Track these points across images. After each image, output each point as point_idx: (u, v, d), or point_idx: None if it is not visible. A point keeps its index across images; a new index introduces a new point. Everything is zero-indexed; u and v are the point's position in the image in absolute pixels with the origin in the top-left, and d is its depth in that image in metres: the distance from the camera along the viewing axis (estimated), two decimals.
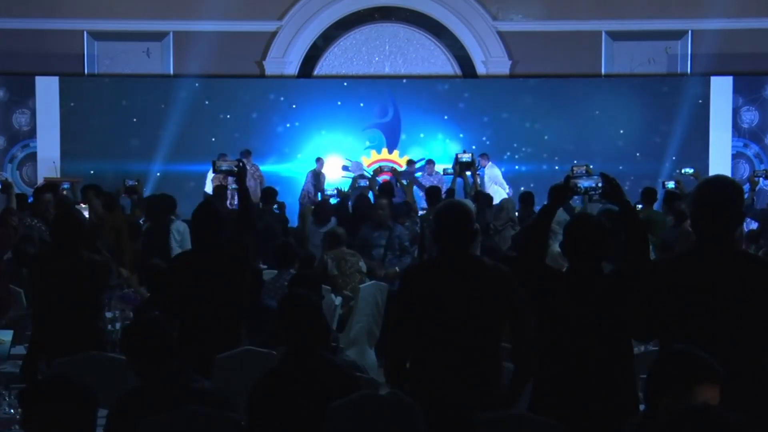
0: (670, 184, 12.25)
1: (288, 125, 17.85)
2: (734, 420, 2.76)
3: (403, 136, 18.03)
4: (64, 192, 11.52)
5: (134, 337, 4.17)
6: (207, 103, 17.80)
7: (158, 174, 17.29)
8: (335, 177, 16.62)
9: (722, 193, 4.08)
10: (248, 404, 4.27)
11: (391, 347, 4.67)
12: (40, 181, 16.14)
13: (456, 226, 4.58)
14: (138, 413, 3.98)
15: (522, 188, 14.69)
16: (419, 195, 13.65)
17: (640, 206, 11.09)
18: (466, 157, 11.56)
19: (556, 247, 7.66)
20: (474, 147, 17.07)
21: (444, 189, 12.38)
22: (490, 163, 16.85)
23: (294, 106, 17.89)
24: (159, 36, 17.94)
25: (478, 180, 11.95)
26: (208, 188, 15.96)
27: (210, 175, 16.55)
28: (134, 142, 17.62)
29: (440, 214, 4.72)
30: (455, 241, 4.57)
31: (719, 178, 4.36)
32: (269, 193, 12.24)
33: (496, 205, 12.13)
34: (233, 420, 4.17)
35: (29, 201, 11.16)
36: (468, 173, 11.68)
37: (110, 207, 10.73)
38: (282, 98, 17.96)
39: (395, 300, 4.68)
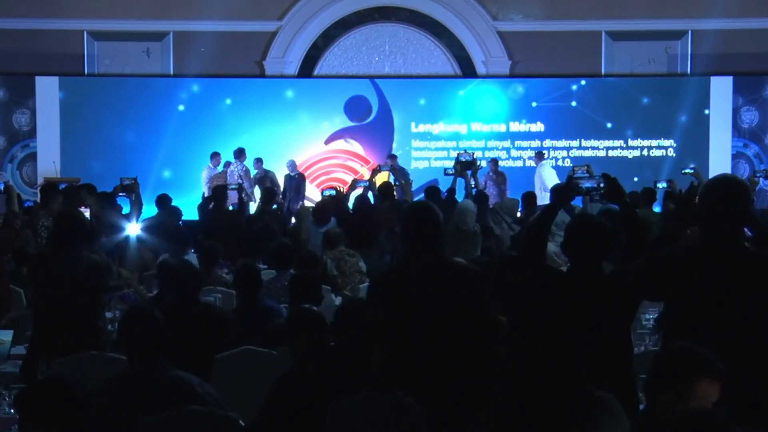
0: (662, 184, 12.24)
1: (288, 126, 17.84)
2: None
3: (396, 137, 18.03)
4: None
5: (131, 323, 4.33)
6: (207, 103, 17.81)
7: (158, 174, 17.27)
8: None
9: (730, 192, 4.09)
10: (268, 400, 4.32)
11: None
12: (40, 181, 16.14)
13: (422, 228, 4.51)
14: (114, 402, 4.08)
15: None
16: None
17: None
18: (466, 157, 11.54)
19: (552, 247, 7.65)
20: (473, 147, 17.13)
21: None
22: (543, 162, 16.79)
23: (292, 107, 17.91)
24: (159, 36, 17.94)
25: (479, 180, 11.92)
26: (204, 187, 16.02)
27: (204, 174, 16.57)
28: (134, 142, 17.62)
29: (407, 216, 4.63)
30: (422, 244, 4.51)
31: (727, 177, 4.34)
32: (269, 193, 12.24)
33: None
34: (230, 419, 4.18)
35: (26, 204, 11.17)
36: (468, 172, 11.65)
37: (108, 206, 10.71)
38: (282, 98, 17.95)
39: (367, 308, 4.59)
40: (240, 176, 16.04)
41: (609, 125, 17.85)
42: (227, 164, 16.64)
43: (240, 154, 16.47)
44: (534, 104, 17.87)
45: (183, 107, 17.79)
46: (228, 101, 17.89)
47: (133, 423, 4.05)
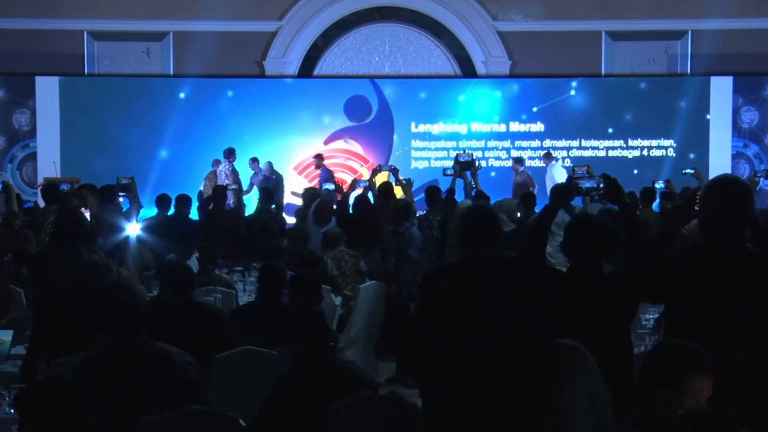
0: (659, 185, 12.25)
1: (288, 126, 17.83)
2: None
3: (396, 137, 18.02)
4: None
5: (108, 298, 4.44)
6: (206, 103, 17.81)
7: (158, 174, 17.27)
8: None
9: (731, 193, 4.09)
10: (268, 400, 4.32)
11: (413, 352, 4.66)
12: (40, 180, 16.14)
13: (483, 228, 4.69)
14: (93, 375, 4.13)
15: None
16: None
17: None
18: (465, 157, 11.53)
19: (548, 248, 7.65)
20: (473, 147, 17.14)
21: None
22: (552, 162, 16.74)
23: (292, 107, 17.90)
24: (159, 36, 17.95)
25: (478, 180, 11.90)
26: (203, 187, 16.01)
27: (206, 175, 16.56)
28: (134, 142, 17.62)
29: (467, 216, 4.80)
30: (481, 244, 4.66)
31: (728, 178, 4.35)
32: (268, 193, 12.24)
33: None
34: (230, 419, 4.18)
35: (26, 205, 11.15)
36: (468, 173, 11.64)
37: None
38: (282, 98, 17.95)
39: (416, 305, 4.70)
40: (226, 176, 16.02)
41: (610, 130, 17.85)
42: (216, 163, 16.62)
43: (230, 154, 16.42)
44: (534, 109, 17.87)
45: (183, 95, 17.80)
46: (230, 93, 17.91)
47: (111, 394, 4.07)
